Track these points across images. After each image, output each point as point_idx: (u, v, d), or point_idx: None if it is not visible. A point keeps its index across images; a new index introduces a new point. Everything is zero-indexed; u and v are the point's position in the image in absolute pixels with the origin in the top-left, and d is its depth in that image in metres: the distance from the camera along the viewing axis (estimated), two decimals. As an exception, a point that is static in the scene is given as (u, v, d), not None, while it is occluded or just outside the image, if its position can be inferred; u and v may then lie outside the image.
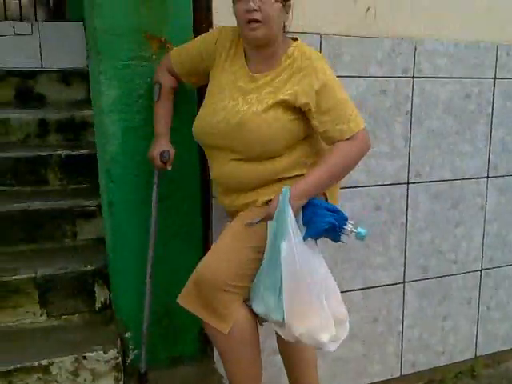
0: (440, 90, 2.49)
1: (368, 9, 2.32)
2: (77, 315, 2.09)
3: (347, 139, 1.53)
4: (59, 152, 2.66)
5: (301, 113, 1.56)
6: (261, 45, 1.55)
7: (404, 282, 2.59)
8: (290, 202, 1.49)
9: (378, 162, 2.42)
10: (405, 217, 2.54)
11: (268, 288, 1.52)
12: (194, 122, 1.70)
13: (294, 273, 1.48)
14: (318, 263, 1.55)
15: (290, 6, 1.56)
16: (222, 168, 1.64)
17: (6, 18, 4.01)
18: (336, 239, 1.59)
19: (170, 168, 1.80)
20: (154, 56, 1.90)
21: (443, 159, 2.57)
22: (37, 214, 2.30)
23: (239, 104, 1.56)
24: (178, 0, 1.90)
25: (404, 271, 2.58)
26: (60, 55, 3.81)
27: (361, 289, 2.48)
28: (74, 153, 2.68)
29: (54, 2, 4.43)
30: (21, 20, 4.05)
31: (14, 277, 2.02)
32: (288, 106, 1.53)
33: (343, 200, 2.38)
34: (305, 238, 1.51)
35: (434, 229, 2.62)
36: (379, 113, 2.39)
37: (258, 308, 1.58)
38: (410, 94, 2.45)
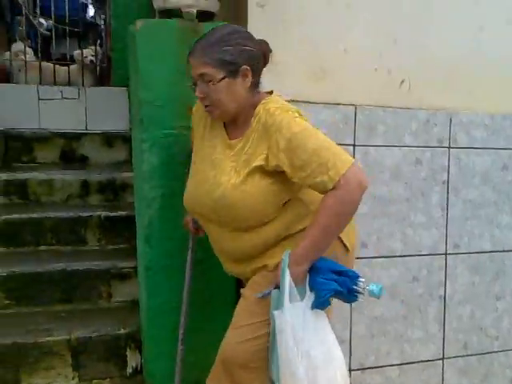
0: (477, 160, 2.48)
1: (402, 81, 2.36)
2: (108, 380, 2.09)
3: (333, 189, 1.38)
4: (99, 213, 2.74)
5: (279, 173, 1.46)
6: (230, 119, 1.55)
7: (443, 359, 2.49)
8: (289, 267, 1.40)
9: (415, 232, 2.39)
10: (443, 289, 2.48)
11: (272, 357, 1.47)
12: (184, 195, 1.67)
13: (286, 343, 1.38)
14: (319, 334, 1.42)
15: (245, 71, 1.46)
16: (222, 240, 1.59)
17: (55, 83, 4.24)
18: (349, 301, 1.47)
19: (202, 235, 1.82)
20: (193, 125, 1.97)
21: (482, 230, 2.52)
22: (74, 274, 2.35)
23: (219, 174, 1.51)
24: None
25: (443, 347, 2.48)
26: (104, 118, 4.00)
27: (397, 364, 2.39)
28: (112, 214, 2.76)
29: (100, 69, 4.68)
30: (69, 85, 4.27)
31: (48, 338, 2.04)
32: (264, 171, 1.45)
33: (378, 269, 2.36)
34: (312, 308, 1.41)
35: (473, 302, 2.53)
36: (415, 182, 2.38)
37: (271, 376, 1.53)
38: (447, 164, 2.44)
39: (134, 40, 1.95)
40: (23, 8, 5.97)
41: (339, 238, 1.54)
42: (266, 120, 1.43)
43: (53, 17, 4.80)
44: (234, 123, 1.55)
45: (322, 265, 1.43)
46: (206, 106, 1.51)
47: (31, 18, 6.62)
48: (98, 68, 4.62)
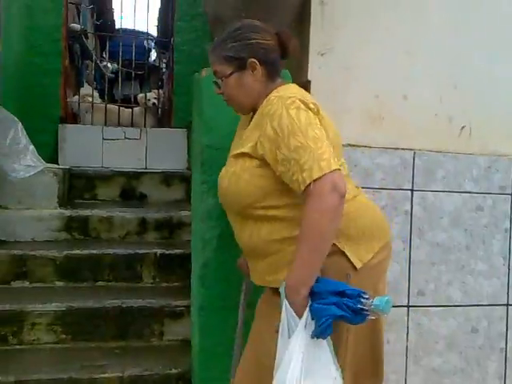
0: (542, 208, 2.39)
1: (463, 127, 2.33)
2: (157, 419, 2.08)
3: (307, 197, 1.28)
4: (155, 250, 2.80)
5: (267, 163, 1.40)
6: (248, 111, 1.54)
7: (504, 416, 2.35)
8: (286, 299, 1.28)
9: (476, 281, 2.30)
10: (504, 342, 2.35)
11: None
12: None
13: (282, 376, 1.26)
14: (322, 365, 1.29)
15: (252, 64, 1.44)
16: (236, 230, 1.54)
17: (118, 125, 4.44)
18: (355, 323, 1.28)
19: None
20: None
21: (548, 281, 2.40)
22: (129, 311, 2.39)
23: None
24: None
25: (504, 403, 2.35)
26: (163, 158, 4.14)
27: (456, 419, 2.27)
28: (168, 252, 2.81)
29: (162, 112, 4.88)
30: (132, 126, 4.46)
31: (102, 375, 2.07)
32: (251, 156, 1.41)
33: (436, 319, 2.28)
34: (312, 337, 1.27)
35: (538, 358, 2.39)
36: (476, 229, 2.31)
37: None
38: (509, 211, 2.36)
39: (200, 86, 2.03)
40: (93, 53, 6.37)
41: (344, 254, 1.38)
42: (264, 108, 1.39)
43: (120, 61, 5.06)
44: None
45: (321, 288, 1.28)
46: (226, 102, 1.54)
47: (99, 62, 7.04)
48: (159, 110, 4.81)
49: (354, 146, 2.21)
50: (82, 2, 7.11)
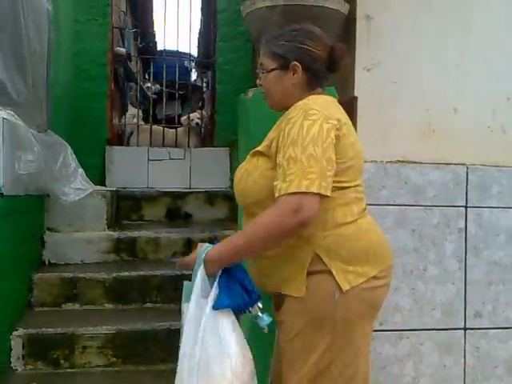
0: None
1: (519, 139, 2.24)
2: None
3: (275, 200, 1.29)
4: (201, 271, 2.78)
5: None
6: (281, 109, 1.51)
7: None
8: (204, 261, 1.34)
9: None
10: None
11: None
12: None
13: (187, 334, 1.36)
14: (218, 331, 1.34)
15: (294, 67, 1.44)
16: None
17: (163, 145, 4.51)
18: (237, 315, 1.38)
19: None
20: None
21: None
22: (177, 333, 2.36)
23: None
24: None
25: None
26: (206, 177, 4.16)
27: None
28: (214, 272, 2.78)
29: (205, 131, 4.92)
30: (175, 146, 4.52)
31: (152, 398, 2.06)
32: (264, 155, 1.41)
33: (495, 341, 2.17)
34: (214, 308, 1.34)
35: None
36: (535, 246, 2.20)
37: None
38: None
39: (246, 107, 2.03)
40: (137, 75, 6.52)
41: (330, 273, 1.35)
42: (289, 112, 1.39)
43: (164, 83, 5.16)
44: None
45: (236, 273, 1.37)
46: (263, 94, 1.55)
47: (142, 84, 7.20)
48: (202, 130, 4.85)
49: (403, 161, 2.15)
50: (126, 25, 7.32)
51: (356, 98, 2.12)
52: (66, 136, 3.45)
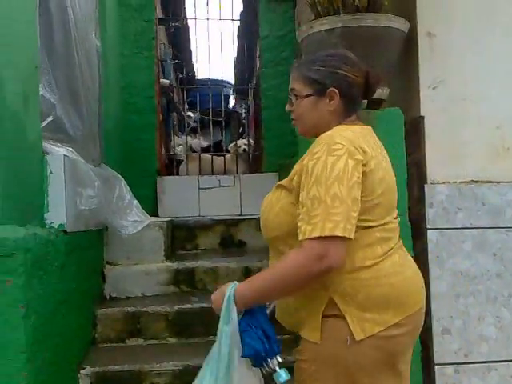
0: None
1: None
2: None
3: (300, 247, 1.24)
4: (262, 301, 2.71)
5: None
6: (312, 137, 1.45)
7: None
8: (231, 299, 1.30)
9: None
10: None
11: None
12: None
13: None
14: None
15: (331, 93, 1.38)
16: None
17: (212, 173, 4.51)
18: (255, 365, 1.32)
19: None
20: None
21: None
22: (246, 368, 2.30)
23: None
24: (392, 158, 1.91)
25: None
26: (257, 203, 4.07)
27: None
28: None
29: (252, 157, 4.91)
30: (224, 173, 4.51)
31: None
32: (287, 189, 1.36)
33: None
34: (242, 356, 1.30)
35: None
36: None
37: None
38: None
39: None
40: (179, 106, 6.62)
41: (345, 320, 1.28)
42: (314, 144, 1.33)
43: (211, 112, 5.21)
44: None
45: (259, 317, 1.32)
46: (292, 120, 1.49)
47: (183, 113, 7.30)
48: (250, 156, 4.84)
49: (478, 181, 2.06)
50: (166, 57, 7.46)
51: (422, 118, 2.05)
52: (118, 168, 3.48)
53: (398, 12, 1.98)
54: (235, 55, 9.99)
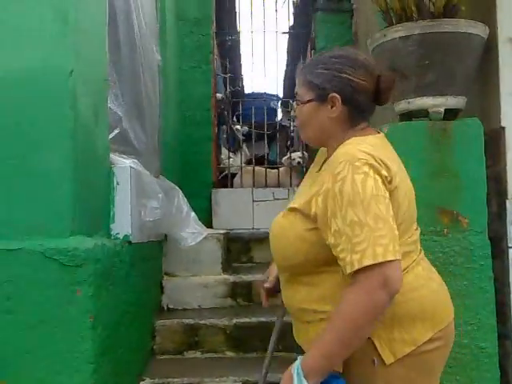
0: None
1: None
2: None
3: (352, 281, 1.11)
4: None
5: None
6: (318, 145, 1.38)
7: None
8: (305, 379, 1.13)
9: None
10: None
11: None
12: None
13: None
14: None
15: (332, 99, 1.26)
16: (283, 288, 1.38)
17: (266, 186, 4.48)
18: None
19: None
20: (445, 230, 1.82)
21: None
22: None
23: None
24: (471, 171, 1.83)
25: None
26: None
27: None
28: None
29: (306, 170, 4.86)
30: (278, 186, 4.48)
31: None
32: (304, 215, 1.22)
33: None
34: None
35: None
36: None
37: None
38: None
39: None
40: (228, 119, 6.67)
41: (373, 345, 1.17)
42: (332, 161, 1.20)
43: (253, 125, 5.23)
44: (328, 153, 1.33)
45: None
46: (296, 126, 1.42)
47: (233, 126, 7.36)
48: (304, 169, 4.80)
49: None
50: (218, 71, 7.54)
51: (503, 129, 1.94)
52: (175, 180, 3.52)
53: (475, 17, 1.89)
54: (285, 68, 10.03)
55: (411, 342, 1.18)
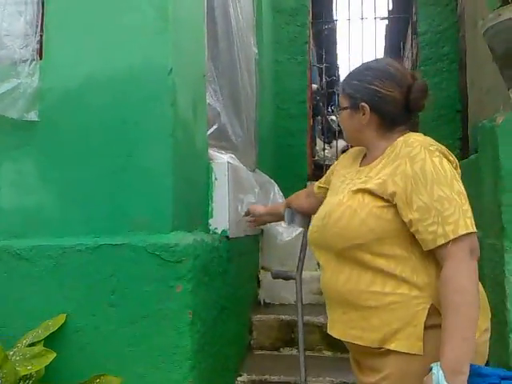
0: None
1: None
2: None
3: (446, 254, 1.18)
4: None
5: (394, 204, 1.27)
6: (357, 146, 1.52)
7: None
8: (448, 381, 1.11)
9: None
10: None
11: None
12: None
13: None
14: None
15: (362, 108, 1.38)
16: (324, 273, 1.39)
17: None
18: None
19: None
20: None
21: None
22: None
23: (334, 197, 1.40)
24: None
25: None
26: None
27: None
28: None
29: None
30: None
31: None
32: (376, 195, 1.28)
33: None
34: None
35: None
36: None
37: None
38: None
39: (493, 136, 1.76)
40: (324, 110, 6.54)
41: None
42: (401, 149, 1.29)
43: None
44: (369, 153, 1.44)
45: (488, 370, 1.19)
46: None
47: (328, 117, 7.21)
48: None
49: None
50: (314, 61, 7.42)
51: None
52: (270, 173, 3.50)
53: None
54: (384, 55, 9.65)
55: (477, 328, 1.19)
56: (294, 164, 4.21)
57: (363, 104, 1.38)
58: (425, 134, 3.96)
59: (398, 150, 1.29)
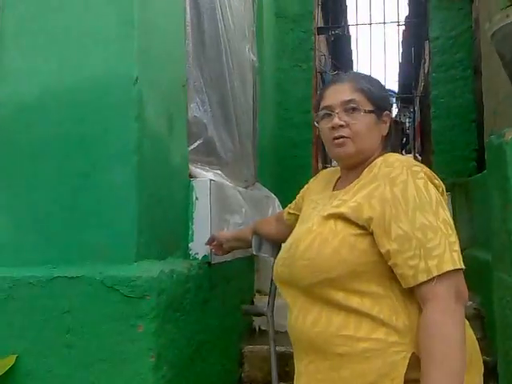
0: None
1: None
2: None
3: (428, 295, 1.02)
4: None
5: (368, 232, 1.11)
6: (354, 163, 1.25)
7: None
8: None
9: None
10: None
11: None
12: None
13: None
14: None
15: (386, 117, 1.25)
16: (291, 314, 1.21)
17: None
18: None
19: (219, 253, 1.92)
20: None
21: None
22: None
23: (303, 225, 1.25)
24: None
25: None
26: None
27: None
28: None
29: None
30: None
31: None
32: (350, 221, 1.12)
33: None
34: None
35: None
36: None
37: None
38: None
39: (503, 153, 1.52)
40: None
41: None
42: (380, 169, 1.14)
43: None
44: (347, 175, 1.28)
45: None
46: (338, 138, 1.22)
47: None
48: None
49: None
50: (326, 68, 7.23)
51: None
52: (272, 186, 3.30)
53: None
54: (400, 61, 9.43)
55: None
56: (298, 176, 3.98)
57: (388, 113, 1.27)
58: (438, 145, 3.75)
59: (376, 170, 1.16)
